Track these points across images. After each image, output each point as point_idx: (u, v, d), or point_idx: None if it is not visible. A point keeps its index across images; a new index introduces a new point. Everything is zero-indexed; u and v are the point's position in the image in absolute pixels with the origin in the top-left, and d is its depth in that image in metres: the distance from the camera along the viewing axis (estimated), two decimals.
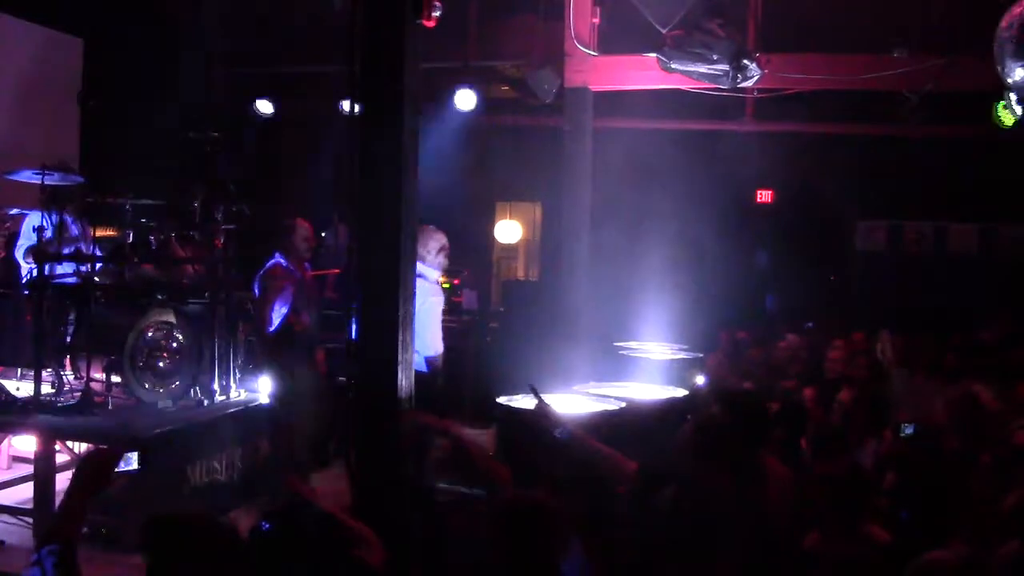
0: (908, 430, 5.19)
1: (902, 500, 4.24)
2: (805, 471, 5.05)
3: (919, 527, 4.08)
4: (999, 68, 6.94)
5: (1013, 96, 8.40)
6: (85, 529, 6.62)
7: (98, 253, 7.77)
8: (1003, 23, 6.77)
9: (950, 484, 4.17)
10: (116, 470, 3.42)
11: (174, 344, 7.55)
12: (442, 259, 7.05)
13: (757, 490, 4.11)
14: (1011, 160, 10.94)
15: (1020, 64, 6.73)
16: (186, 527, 3.05)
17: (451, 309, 11.43)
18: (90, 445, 7.28)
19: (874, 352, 8.17)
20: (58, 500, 6.76)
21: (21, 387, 7.66)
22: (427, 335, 6.58)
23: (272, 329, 7.49)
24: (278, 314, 7.50)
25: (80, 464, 3.38)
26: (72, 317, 7.80)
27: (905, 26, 9.58)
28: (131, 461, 3.52)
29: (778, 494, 4.24)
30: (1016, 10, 6.68)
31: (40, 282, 7.40)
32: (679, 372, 7.66)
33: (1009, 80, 6.98)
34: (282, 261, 7.67)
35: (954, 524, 3.94)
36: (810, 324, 8.96)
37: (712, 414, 4.62)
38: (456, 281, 11.53)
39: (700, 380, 7.30)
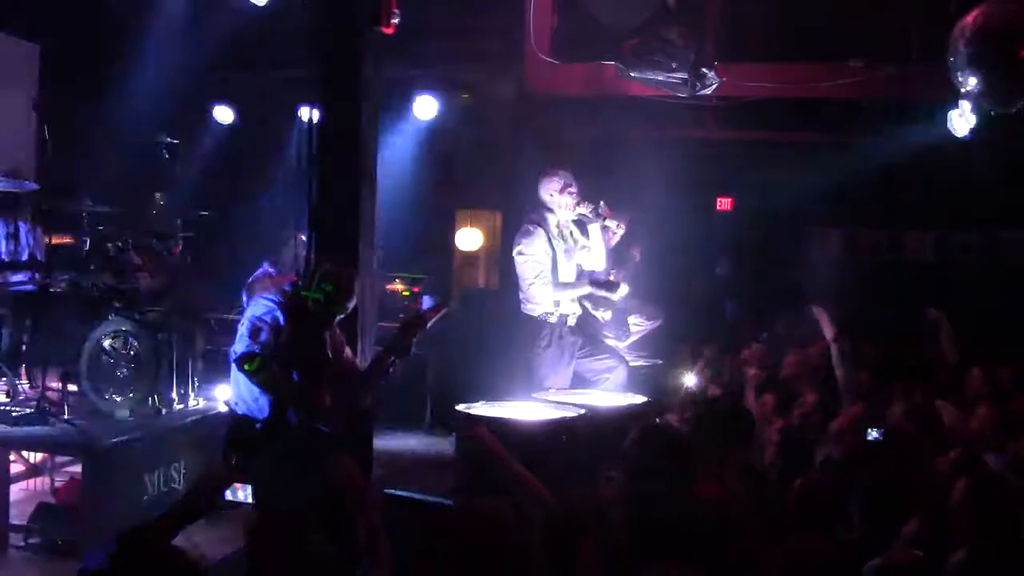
0: (873, 435, 5.22)
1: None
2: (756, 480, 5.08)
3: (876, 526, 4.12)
4: (953, 77, 7.05)
5: (967, 105, 8.53)
6: (39, 540, 6.58)
7: (54, 260, 7.70)
8: (955, 33, 6.88)
9: (905, 488, 4.20)
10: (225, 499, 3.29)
11: (131, 353, 7.47)
12: None
13: (700, 496, 4.10)
14: (965, 169, 11.09)
15: (973, 73, 6.84)
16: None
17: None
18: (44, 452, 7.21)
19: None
20: (12, 511, 6.68)
21: None
22: None
23: None
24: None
25: (195, 485, 3.28)
26: (28, 325, 7.72)
27: (861, 36, 9.70)
28: (248, 494, 3.28)
29: (721, 501, 4.24)
30: (968, 20, 6.80)
31: None
32: (640, 379, 7.69)
33: (963, 89, 7.09)
34: (270, 270, 7.61)
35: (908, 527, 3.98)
36: (764, 334, 9.00)
37: (657, 422, 4.63)
38: (415, 289, 11.51)
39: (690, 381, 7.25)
